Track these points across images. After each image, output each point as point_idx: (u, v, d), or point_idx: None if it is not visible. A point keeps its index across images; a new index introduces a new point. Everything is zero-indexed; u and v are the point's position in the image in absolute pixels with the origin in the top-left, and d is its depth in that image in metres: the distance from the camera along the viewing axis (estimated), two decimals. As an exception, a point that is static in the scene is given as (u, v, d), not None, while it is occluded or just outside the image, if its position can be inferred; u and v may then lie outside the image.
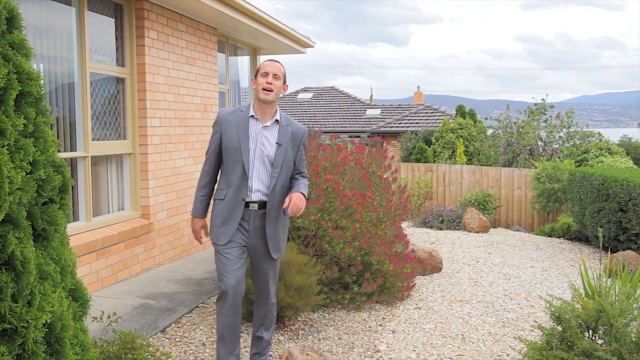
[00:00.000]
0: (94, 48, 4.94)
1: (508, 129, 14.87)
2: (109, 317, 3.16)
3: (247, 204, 3.01)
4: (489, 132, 16.23)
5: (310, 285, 4.04)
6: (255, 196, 3.02)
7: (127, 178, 5.43)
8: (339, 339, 4.02)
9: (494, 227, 10.23)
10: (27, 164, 1.78)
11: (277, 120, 3.08)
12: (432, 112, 21.94)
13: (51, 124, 1.98)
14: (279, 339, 3.90)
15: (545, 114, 14.75)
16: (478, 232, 9.05)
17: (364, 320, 4.43)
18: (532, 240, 8.48)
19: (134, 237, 5.23)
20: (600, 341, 2.97)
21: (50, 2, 4.48)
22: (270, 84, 3.00)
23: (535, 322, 4.42)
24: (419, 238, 8.28)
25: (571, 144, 14.09)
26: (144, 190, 5.48)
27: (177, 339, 3.83)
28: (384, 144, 12.62)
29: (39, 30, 4.38)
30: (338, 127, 22.28)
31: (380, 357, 3.72)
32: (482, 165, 14.87)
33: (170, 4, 5.67)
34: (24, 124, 1.79)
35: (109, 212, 5.24)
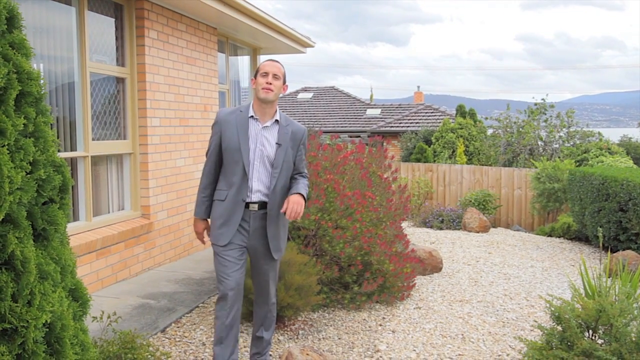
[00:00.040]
0: (94, 48, 4.94)
1: (508, 129, 14.87)
2: (109, 316, 3.16)
3: (247, 205, 3.00)
4: (489, 131, 16.22)
5: (310, 285, 4.04)
6: (255, 197, 3.01)
7: (127, 178, 5.43)
8: (339, 338, 4.02)
9: (494, 226, 10.23)
10: (27, 163, 1.78)
11: (276, 121, 3.07)
12: (432, 112, 21.94)
13: (51, 124, 1.98)
14: (279, 339, 3.90)
15: (545, 114, 14.75)
16: (478, 232, 9.05)
17: (364, 320, 4.43)
18: (532, 240, 8.48)
19: (134, 236, 5.23)
20: (600, 341, 2.96)
21: (50, 2, 4.48)
22: (270, 83, 2.98)
23: (535, 321, 4.42)
24: (419, 238, 8.28)
25: (571, 143, 14.09)
26: (144, 190, 5.48)
27: (177, 339, 3.83)
28: (384, 144, 12.61)
29: (39, 30, 4.38)
30: (338, 126, 22.27)
31: (380, 357, 3.72)
32: (482, 165, 14.87)
33: (170, 4, 5.67)
34: (24, 124, 1.79)
35: (109, 212, 5.24)
